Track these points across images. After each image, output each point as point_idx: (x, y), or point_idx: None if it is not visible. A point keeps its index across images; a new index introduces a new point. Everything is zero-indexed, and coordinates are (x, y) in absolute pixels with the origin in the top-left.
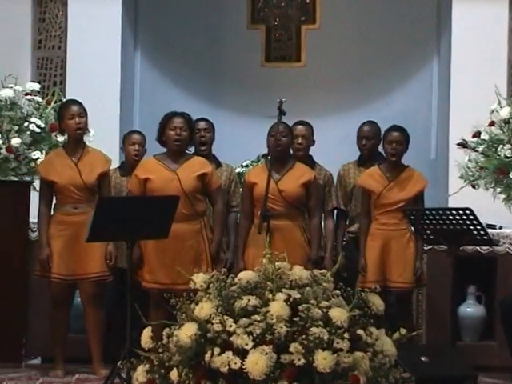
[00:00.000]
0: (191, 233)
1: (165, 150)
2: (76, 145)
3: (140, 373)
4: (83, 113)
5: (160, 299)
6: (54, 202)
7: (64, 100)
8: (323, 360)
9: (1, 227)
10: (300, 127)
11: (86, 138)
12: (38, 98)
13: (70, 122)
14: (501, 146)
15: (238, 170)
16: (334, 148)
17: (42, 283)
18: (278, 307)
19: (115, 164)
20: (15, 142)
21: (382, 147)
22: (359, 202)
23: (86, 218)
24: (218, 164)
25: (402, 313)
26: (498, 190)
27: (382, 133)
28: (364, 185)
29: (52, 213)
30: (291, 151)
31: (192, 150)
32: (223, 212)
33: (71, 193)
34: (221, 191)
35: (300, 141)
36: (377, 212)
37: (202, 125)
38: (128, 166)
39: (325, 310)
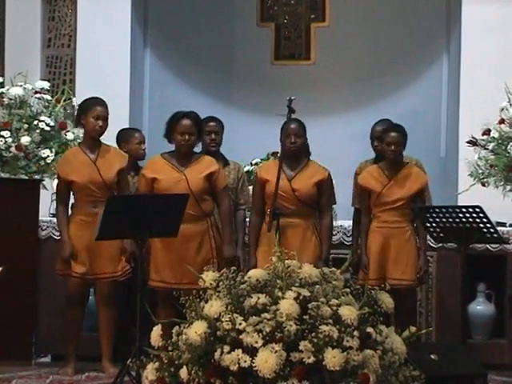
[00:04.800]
0: (198, 233)
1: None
2: (93, 143)
3: (150, 371)
4: (107, 116)
5: (167, 298)
6: (72, 201)
7: (89, 97)
8: (333, 358)
9: (11, 226)
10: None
11: None
12: (48, 97)
13: (93, 121)
14: (511, 143)
15: (248, 167)
16: (344, 146)
17: (52, 282)
18: (287, 305)
19: None
20: (25, 140)
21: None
22: None
23: None
24: (226, 163)
25: (405, 310)
26: (508, 187)
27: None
28: (364, 183)
29: (70, 213)
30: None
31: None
32: (230, 211)
33: (90, 191)
34: (227, 190)
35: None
36: (377, 210)
37: (211, 126)
38: (129, 164)
39: (334, 308)
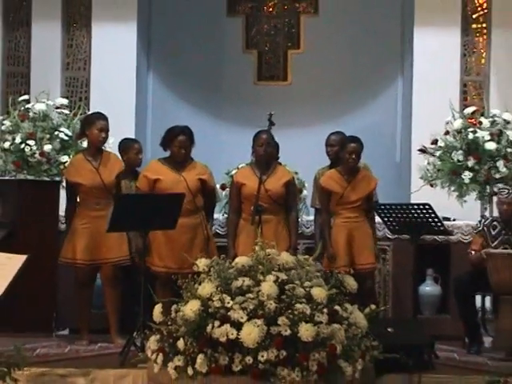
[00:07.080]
0: (194, 225)
1: None
2: (96, 151)
3: (152, 342)
4: (108, 128)
5: (166, 281)
6: (78, 199)
7: (92, 112)
8: (306, 331)
9: (35, 220)
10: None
11: (106, 145)
12: (66, 111)
13: (97, 133)
14: (454, 151)
15: (235, 171)
16: (315, 154)
17: (69, 267)
18: (268, 287)
19: None
20: (47, 148)
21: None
22: None
23: (106, 212)
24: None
25: (367, 289)
26: (452, 188)
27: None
28: (326, 186)
29: (77, 209)
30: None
31: None
32: (214, 206)
33: (94, 193)
34: (215, 190)
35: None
36: (339, 208)
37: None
38: (128, 170)
39: (307, 289)
